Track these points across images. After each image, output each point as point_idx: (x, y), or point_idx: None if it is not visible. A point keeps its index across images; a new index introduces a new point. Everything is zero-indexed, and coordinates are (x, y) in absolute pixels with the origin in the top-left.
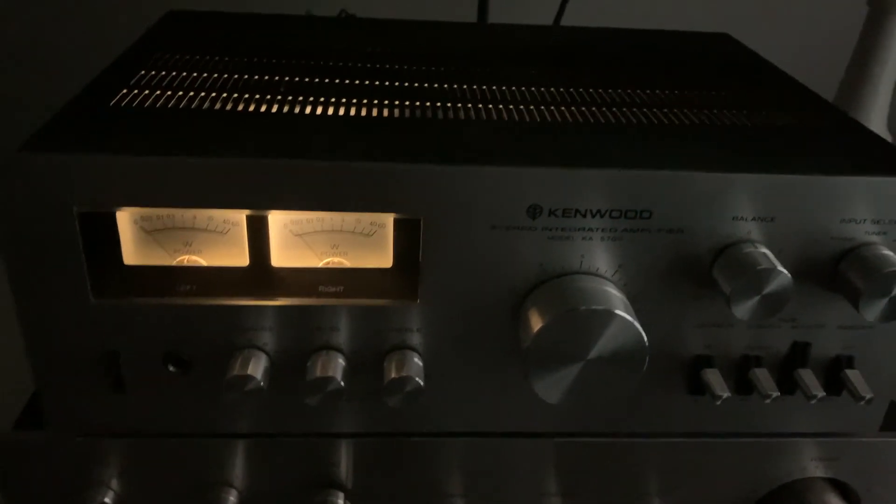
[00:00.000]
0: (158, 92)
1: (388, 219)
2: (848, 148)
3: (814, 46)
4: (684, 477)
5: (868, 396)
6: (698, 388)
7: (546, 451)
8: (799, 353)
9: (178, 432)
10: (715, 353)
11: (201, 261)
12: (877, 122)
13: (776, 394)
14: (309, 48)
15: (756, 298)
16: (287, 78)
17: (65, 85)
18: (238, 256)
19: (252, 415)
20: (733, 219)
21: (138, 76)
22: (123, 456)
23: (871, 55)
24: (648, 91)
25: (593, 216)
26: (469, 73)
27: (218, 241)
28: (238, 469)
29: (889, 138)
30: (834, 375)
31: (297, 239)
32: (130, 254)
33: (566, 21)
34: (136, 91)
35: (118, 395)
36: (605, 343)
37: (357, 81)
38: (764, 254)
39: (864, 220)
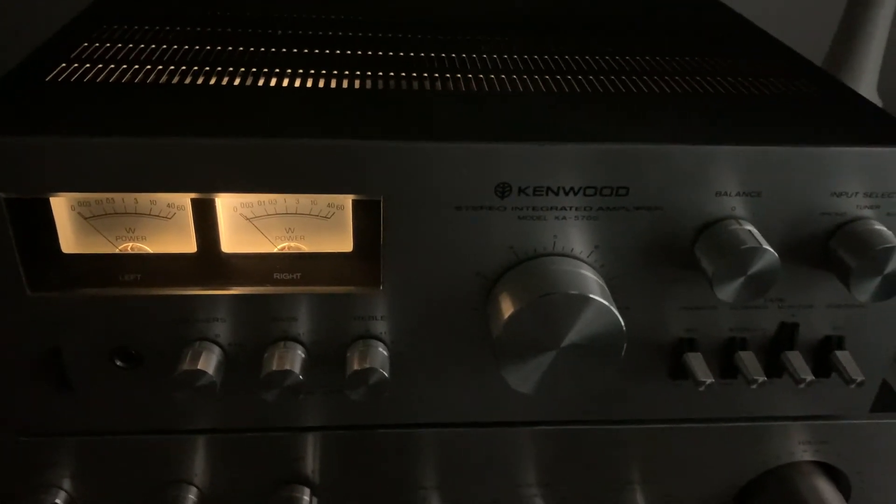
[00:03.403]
0: (100, 66)
1: (347, 200)
2: (839, 116)
3: (803, 7)
4: (668, 464)
5: (859, 379)
6: (681, 372)
7: (522, 440)
8: (786, 335)
9: (132, 429)
10: (698, 336)
11: (146, 248)
12: (867, 86)
13: (762, 379)
14: (267, 16)
15: (741, 279)
16: (241, 48)
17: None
18: (185, 243)
19: (210, 409)
20: (716, 194)
21: (80, 49)
22: (74, 455)
23: (861, 15)
24: (627, 58)
25: (566, 194)
26: (438, 40)
27: (163, 227)
28: (197, 466)
29: (879, 103)
30: (823, 357)
31: (248, 223)
32: (69, 242)
33: None
34: (76, 65)
35: (64, 393)
36: (580, 330)
37: (317, 51)
38: (749, 231)
39: (857, 194)
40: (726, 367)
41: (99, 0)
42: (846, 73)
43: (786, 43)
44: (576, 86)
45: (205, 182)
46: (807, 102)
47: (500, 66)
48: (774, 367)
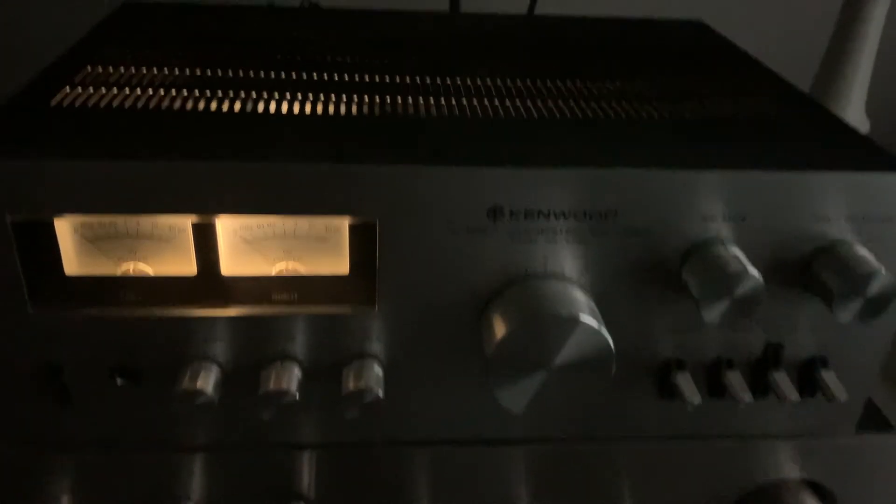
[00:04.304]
0: (104, 89)
1: (344, 222)
2: (821, 141)
3: (791, 31)
4: (657, 480)
5: (843, 398)
6: (669, 392)
7: (515, 457)
8: (772, 355)
9: (131, 444)
10: (686, 356)
11: (147, 269)
12: (855, 107)
13: (750, 398)
14: (269, 40)
15: (726, 302)
16: (242, 73)
17: (5, 83)
18: (186, 264)
19: (208, 426)
20: (702, 218)
21: (84, 72)
22: (73, 469)
23: (848, 39)
24: (618, 83)
25: (557, 217)
26: (434, 65)
27: (164, 249)
28: (195, 482)
29: (867, 125)
30: (808, 376)
31: (247, 245)
32: (71, 263)
33: (543, 8)
34: (80, 89)
35: (65, 408)
36: (570, 350)
37: (316, 76)
38: (734, 255)
39: (839, 218)
40: (714, 386)
41: (103, 22)
42: (834, 94)
43: (774, 65)
44: (566, 110)
45: (205, 204)
46: (790, 127)
47: (494, 91)
48: (761, 386)
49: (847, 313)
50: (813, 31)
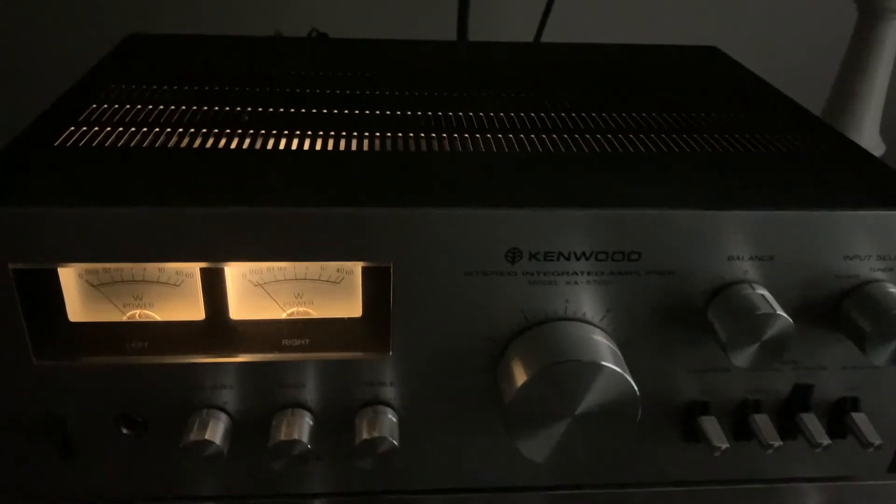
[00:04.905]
0: (109, 129)
1: (357, 266)
2: (849, 176)
3: (803, 53)
4: None
5: (877, 443)
6: (694, 435)
7: None
8: (801, 397)
9: (137, 497)
10: (711, 399)
11: (154, 315)
12: (869, 130)
13: (778, 444)
14: (277, 73)
15: (755, 346)
16: (250, 108)
17: (13, 121)
18: (193, 310)
19: (216, 476)
20: (728, 258)
21: (89, 111)
22: None
23: (861, 62)
24: (633, 114)
25: (577, 259)
26: (444, 98)
27: (171, 294)
28: None
29: (882, 147)
30: (838, 418)
31: (257, 289)
32: (76, 310)
33: (549, 34)
34: (84, 128)
35: (68, 461)
36: (593, 397)
37: (325, 110)
38: (762, 296)
39: (870, 256)
40: (740, 429)
41: (108, 56)
42: (848, 116)
43: (784, 88)
44: (582, 144)
45: (213, 251)
46: (815, 161)
47: (508, 125)
48: (789, 428)
49: (881, 355)
50: (825, 50)
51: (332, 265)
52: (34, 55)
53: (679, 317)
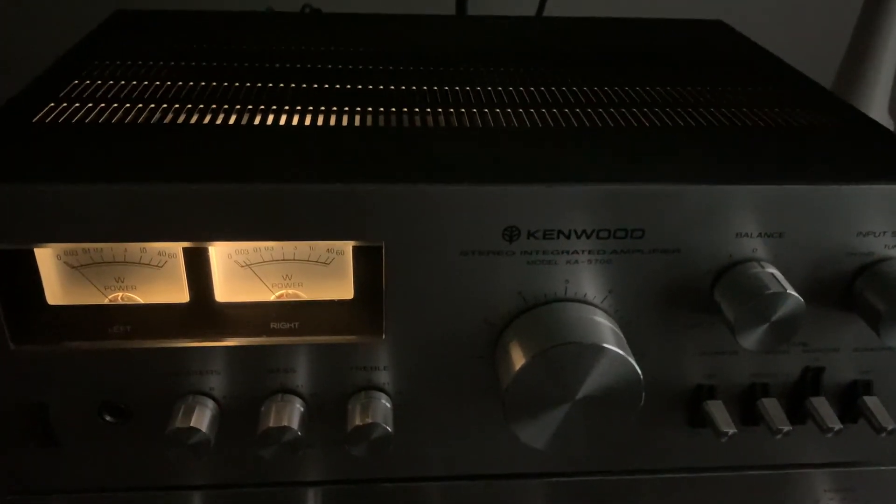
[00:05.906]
0: (90, 105)
1: (347, 246)
2: (862, 150)
3: (810, 29)
4: None
5: (890, 427)
6: (700, 420)
7: (535, 492)
8: (811, 380)
9: (121, 486)
10: (718, 383)
11: (137, 298)
12: (878, 108)
13: (788, 428)
14: (267, 49)
15: (764, 326)
16: (237, 84)
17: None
18: (177, 292)
19: (204, 465)
20: (736, 235)
21: (71, 86)
22: None
23: (870, 36)
24: (637, 88)
25: (578, 237)
26: (441, 73)
27: (154, 276)
28: None
29: (891, 124)
30: (849, 402)
31: (243, 270)
32: (55, 293)
33: (550, 9)
34: (65, 104)
35: (50, 450)
36: (595, 381)
37: (316, 85)
38: (771, 275)
39: (884, 233)
40: (748, 413)
41: (93, 32)
42: (856, 93)
43: (794, 60)
44: (584, 119)
45: (197, 231)
46: (826, 134)
47: (507, 100)
48: (798, 412)
49: (895, 336)
50: (832, 28)
51: (322, 245)
52: (21, 32)
53: (684, 297)
